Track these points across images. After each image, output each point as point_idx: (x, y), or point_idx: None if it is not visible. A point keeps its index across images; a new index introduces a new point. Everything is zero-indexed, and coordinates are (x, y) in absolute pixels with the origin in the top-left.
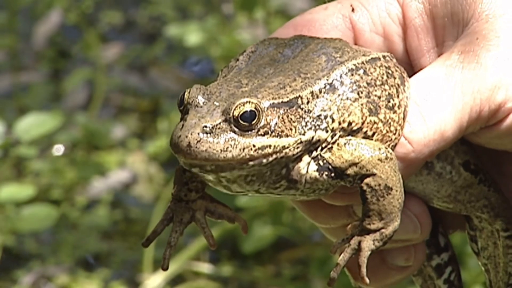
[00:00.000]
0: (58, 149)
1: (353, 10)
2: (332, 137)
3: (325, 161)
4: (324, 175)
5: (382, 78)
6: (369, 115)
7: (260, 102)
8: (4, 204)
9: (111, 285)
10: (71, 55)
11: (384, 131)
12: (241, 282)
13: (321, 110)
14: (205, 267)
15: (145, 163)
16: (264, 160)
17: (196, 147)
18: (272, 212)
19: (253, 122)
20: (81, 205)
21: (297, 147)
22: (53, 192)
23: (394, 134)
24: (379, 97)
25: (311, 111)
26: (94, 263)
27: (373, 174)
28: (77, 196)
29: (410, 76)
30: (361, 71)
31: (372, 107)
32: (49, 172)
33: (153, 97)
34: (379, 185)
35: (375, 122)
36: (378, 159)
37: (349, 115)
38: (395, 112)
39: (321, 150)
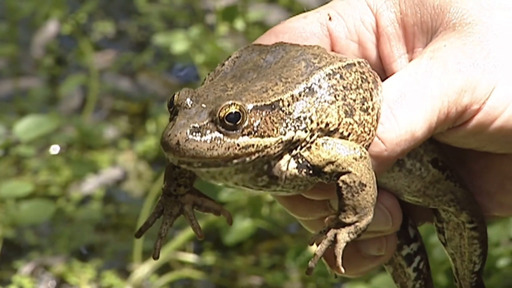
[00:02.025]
0: (55, 149)
1: (330, 19)
2: (310, 137)
3: (304, 159)
4: (303, 172)
5: (357, 82)
6: (345, 117)
7: (244, 105)
8: (4, 199)
9: (104, 274)
10: (67, 62)
11: (359, 132)
12: (223, 270)
13: (301, 112)
14: (190, 257)
15: (134, 161)
16: (248, 159)
17: (185, 145)
18: (251, 206)
19: (238, 123)
20: (76, 200)
21: (278, 146)
22: (50, 188)
23: (368, 134)
24: (354, 100)
25: (291, 113)
26: (88, 253)
27: (349, 172)
28: (72, 192)
29: (383, 80)
30: (337, 76)
31: (348, 109)
32: (46, 170)
33: (142, 101)
34: (354, 182)
35: (350, 123)
36: (353, 158)
37: (326, 117)
38: (369, 114)
39: (301, 149)
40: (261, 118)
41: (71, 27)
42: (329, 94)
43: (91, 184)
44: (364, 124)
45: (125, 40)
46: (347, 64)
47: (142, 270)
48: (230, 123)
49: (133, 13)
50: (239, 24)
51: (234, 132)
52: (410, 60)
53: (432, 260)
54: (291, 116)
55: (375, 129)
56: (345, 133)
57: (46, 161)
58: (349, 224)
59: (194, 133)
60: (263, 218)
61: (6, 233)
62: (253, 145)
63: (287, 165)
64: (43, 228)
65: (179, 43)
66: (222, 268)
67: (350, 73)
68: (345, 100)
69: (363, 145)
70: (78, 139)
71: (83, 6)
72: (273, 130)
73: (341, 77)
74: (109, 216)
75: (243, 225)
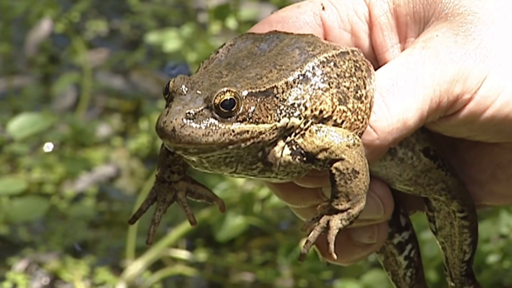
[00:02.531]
0: (48, 147)
1: (323, 8)
2: (304, 124)
3: (298, 146)
4: (297, 159)
5: (351, 70)
6: (339, 104)
7: (239, 91)
8: None
9: (97, 270)
10: (60, 61)
11: (352, 120)
12: (216, 267)
13: (295, 99)
14: (182, 254)
15: (127, 159)
16: (242, 144)
17: (180, 131)
18: (243, 203)
19: (233, 109)
20: (69, 197)
21: (273, 133)
22: (44, 186)
23: (361, 122)
24: (348, 88)
25: (285, 100)
26: (81, 250)
27: (342, 159)
28: (66, 189)
29: (375, 70)
30: (331, 64)
31: (341, 97)
32: (40, 167)
33: (135, 99)
34: (347, 169)
35: (344, 111)
36: (347, 145)
37: (320, 104)
38: (362, 102)
39: (295, 136)
40: (256, 105)
41: (64, 26)
42: (323, 82)
43: (84, 182)
44: (357, 112)
45: (117, 39)
46: (341, 52)
47: (135, 266)
48: (225, 110)
49: (125, 12)
50: (231, 23)
51: (229, 118)
52: (403, 49)
53: (422, 256)
54: (285, 103)
55: (368, 117)
56: (339, 121)
57: (40, 158)
58: (342, 211)
59: (189, 119)
60: (255, 215)
61: (0, 230)
62: (247, 131)
63: (281, 151)
64: (37, 225)
65: (171, 42)
66: (214, 265)
67: (343, 61)
68: (339, 87)
69: (356, 133)
70: (72, 137)
71: (76, 5)
72: (267, 116)
73: (335, 65)
74: (102, 213)
75: (235, 222)
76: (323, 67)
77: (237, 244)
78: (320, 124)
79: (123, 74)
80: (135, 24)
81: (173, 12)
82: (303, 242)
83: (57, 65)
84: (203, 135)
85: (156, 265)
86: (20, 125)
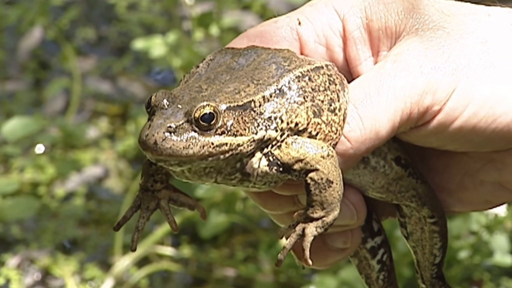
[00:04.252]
0: (40, 148)
1: (299, 23)
2: (281, 136)
3: (274, 157)
4: (273, 170)
5: (325, 84)
6: (314, 117)
7: (218, 105)
8: None
9: (86, 266)
10: (51, 67)
11: (327, 131)
12: (200, 263)
13: (272, 112)
14: (168, 250)
15: (115, 160)
16: (222, 156)
17: (162, 144)
18: (226, 202)
19: (212, 122)
20: (59, 196)
21: (251, 145)
22: (35, 186)
23: (335, 133)
24: (322, 101)
25: (262, 113)
26: (71, 247)
27: (316, 169)
28: (56, 189)
29: (349, 82)
30: (306, 78)
31: (316, 110)
32: (32, 168)
33: (122, 103)
34: (322, 179)
35: (318, 123)
36: (321, 156)
37: (296, 117)
38: (336, 114)
39: (271, 147)
40: (234, 118)
41: (55, 33)
42: (298, 96)
43: (74, 182)
44: (331, 124)
45: (106, 46)
46: (316, 67)
47: (123, 262)
48: (205, 123)
49: (113, 20)
50: (214, 30)
51: (209, 131)
52: (375, 63)
53: (396, 252)
54: (262, 116)
55: (341, 129)
56: (314, 133)
57: (32, 160)
58: (317, 219)
59: (170, 133)
60: (237, 213)
61: None
62: (226, 144)
63: (259, 162)
64: (29, 223)
65: (157, 48)
66: (198, 261)
67: (318, 76)
68: (314, 101)
69: (330, 144)
70: (62, 139)
71: (66, 14)
72: (245, 129)
73: (309, 79)
74: (91, 211)
75: (218, 220)
76: (299, 81)
77: (220, 240)
78: (296, 136)
79: (111, 79)
80: (123, 32)
81: (159, 20)
82: (283, 240)
83: (48, 71)
84: (183, 147)
85: (142, 261)
86: (12, 127)
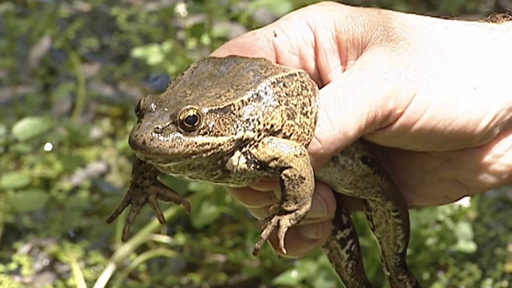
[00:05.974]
0: (48, 146)
1: (275, 35)
2: (258, 137)
3: (252, 155)
4: (251, 167)
5: (298, 90)
6: (288, 119)
7: (201, 109)
8: (5, 190)
9: (90, 253)
10: (58, 73)
11: (299, 132)
12: (193, 250)
13: (250, 115)
14: (164, 238)
15: (116, 157)
16: (204, 155)
17: (150, 144)
18: (216, 194)
19: (195, 124)
20: (66, 190)
21: (230, 144)
22: (44, 180)
23: (307, 134)
24: (296, 105)
25: (241, 116)
26: (76, 236)
27: (290, 167)
28: (63, 183)
29: (320, 88)
30: (281, 84)
31: (290, 113)
32: (41, 164)
33: (123, 105)
34: (295, 175)
35: (292, 125)
36: (294, 155)
37: (271, 119)
38: (308, 117)
39: (249, 147)
40: (216, 120)
41: (62, 42)
42: (274, 100)
43: (79, 177)
44: (303, 126)
45: (108, 54)
46: (289, 74)
47: (123, 250)
48: (189, 125)
49: (114, 31)
50: (205, 40)
51: (192, 132)
52: (344, 71)
53: (369, 241)
54: (241, 118)
55: (313, 130)
56: (288, 134)
57: (41, 157)
58: (290, 212)
59: (157, 133)
60: (226, 205)
61: (7, 219)
62: (208, 143)
63: (238, 160)
64: (38, 214)
65: (154, 56)
66: (192, 248)
67: (292, 82)
68: (288, 105)
69: (303, 144)
70: (68, 138)
71: (72, 25)
72: (225, 130)
73: (284, 85)
74: (95, 203)
75: (209, 211)
76: (274, 87)
77: (211, 229)
78: (272, 137)
79: (113, 84)
80: (123, 41)
81: (156, 30)
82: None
83: (55, 76)
84: (169, 147)
85: (141, 248)
86: (23, 128)
